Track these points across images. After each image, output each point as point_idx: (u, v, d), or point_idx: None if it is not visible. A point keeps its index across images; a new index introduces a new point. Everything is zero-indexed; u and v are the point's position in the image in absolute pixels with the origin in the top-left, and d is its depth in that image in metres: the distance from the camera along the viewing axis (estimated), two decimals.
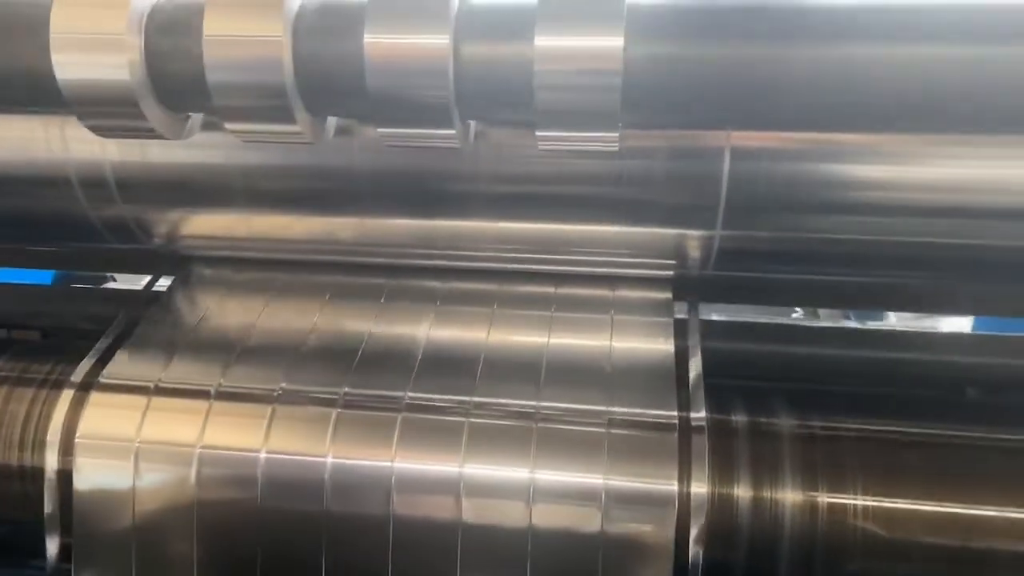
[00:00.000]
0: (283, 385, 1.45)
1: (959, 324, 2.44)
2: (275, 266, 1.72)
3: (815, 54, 1.15)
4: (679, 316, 1.59)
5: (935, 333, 1.69)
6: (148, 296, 1.73)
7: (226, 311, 1.66)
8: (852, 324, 1.83)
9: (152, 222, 1.61)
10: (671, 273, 1.56)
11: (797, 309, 2.64)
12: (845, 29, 1.14)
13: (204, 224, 1.61)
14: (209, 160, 1.49)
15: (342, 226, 1.56)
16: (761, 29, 1.14)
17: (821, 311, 2.62)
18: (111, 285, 2.48)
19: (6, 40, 1.22)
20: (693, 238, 1.42)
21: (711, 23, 1.13)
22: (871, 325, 1.82)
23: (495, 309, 1.62)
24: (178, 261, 1.75)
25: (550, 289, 1.64)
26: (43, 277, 2.58)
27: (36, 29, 1.17)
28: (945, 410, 1.44)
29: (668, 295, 1.60)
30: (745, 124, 1.25)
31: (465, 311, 1.62)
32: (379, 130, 1.17)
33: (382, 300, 1.65)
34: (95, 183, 1.55)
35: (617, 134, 1.11)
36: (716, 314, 2.07)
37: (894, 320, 2.64)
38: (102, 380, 1.48)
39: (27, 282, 2.22)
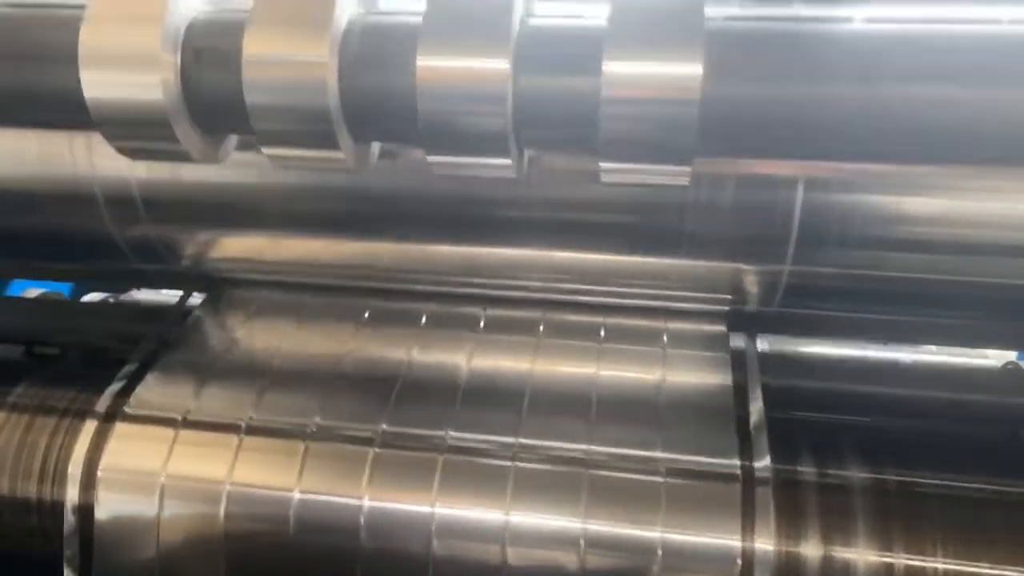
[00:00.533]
0: (317, 420, 1.37)
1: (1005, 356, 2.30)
2: (308, 287, 1.64)
3: (895, 88, 1.04)
4: (735, 345, 1.50)
5: (1010, 370, 1.58)
6: (176, 315, 1.65)
7: (257, 335, 1.58)
8: (913, 356, 1.71)
9: (180, 243, 1.53)
10: (727, 307, 1.47)
11: None
12: (926, 63, 1.03)
13: (235, 246, 1.53)
14: (243, 179, 1.42)
15: (382, 251, 1.48)
16: (841, 58, 1.04)
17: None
18: (135, 294, 2.41)
19: (31, 55, 1.14)
20: (759, 272, 1.33)
21: (789, 48, 1.03)
22: (937, 359, 1.70)
23: (540, 339, 1.53)
24: (207, 280, 1.67)
25: (599, 319, 1.55)
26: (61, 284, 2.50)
27: (65, 44, 1.09)
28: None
29: (723, 328, 1.51)
30: (820, 155, 1.15)
31: (509, 340, 1.54)
32: (429, 158, 1.08)
33: (421, 326, 1.57)
34: (121, 201, 1.47)
35: (689, 168, 1.02)
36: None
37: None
38: (127, 411, 1.41)
39: (46, 289, 2.15)
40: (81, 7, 1.08)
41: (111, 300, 2.14)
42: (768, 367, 1.50)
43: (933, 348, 2.53)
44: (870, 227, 1.24)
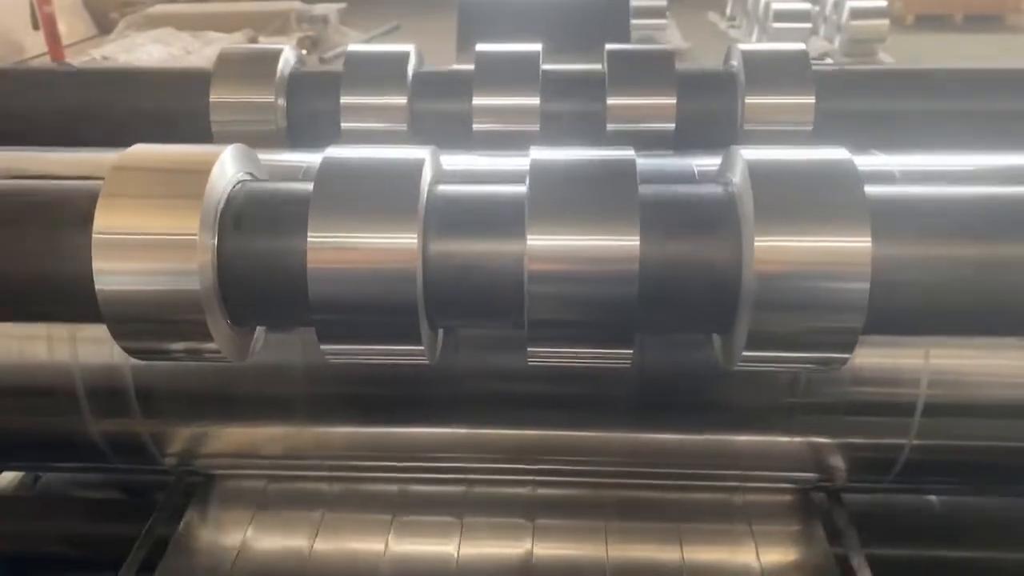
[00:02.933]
0: None
1: None
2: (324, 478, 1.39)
3: None
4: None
5: None
6: (166, 513, 1.36)
7: (272, 535, 1.32)
8: None
9: (173, 437, 1.27)
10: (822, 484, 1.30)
11: None
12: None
13: (239, 437, 1.28)
14: (265, 360, 1.19)
15: (422, 436, 1.26)
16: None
17: None
18: None
19: (22, 234, 0.91)
20: (877, 447, 1.17)
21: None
22: None
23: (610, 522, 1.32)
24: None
25: (666, 495, 1.35)
26: None
27: (70, 223, 0.88)
28: None
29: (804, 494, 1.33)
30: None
31: (575, 525, 1.32)
32: (531, 348, 0.89)
33: (465, 513, 1.34)
34: (108, 393, 1.22)
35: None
36: None
37: None
38: None
39: None
40: (94, 183, 0.88)
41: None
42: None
43: None
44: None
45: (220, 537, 1.32)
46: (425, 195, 0.89)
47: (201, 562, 1.28)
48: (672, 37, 12.08)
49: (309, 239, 0.85)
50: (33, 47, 10.86)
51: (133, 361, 1.19)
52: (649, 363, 1.17)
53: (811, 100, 1.40)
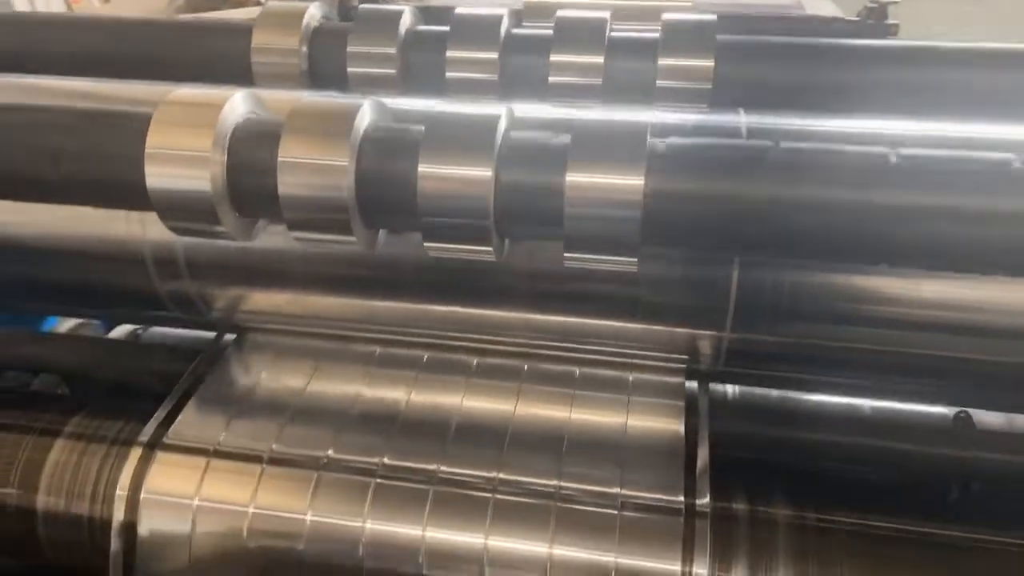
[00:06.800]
0: (329, 453, 1.61)
1: None
2: (324, 335, 1.88)
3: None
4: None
5: (942, 423, 1.78)
6: (209, 356, 1.88)
7: (279, 376, 1.82)
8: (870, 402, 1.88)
9: (214, 297, 1.78)
10: (683, 364, 1.70)
11: None
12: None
13: (261, 300, 1.78)
14: (272, 245, 1.66)
15: (387, 309, 1.72)
16: (767, 170, 1.26)
17: None
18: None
19: (104, 151, 1.39)
20: (703, 337, 1.56)
21: (724, 164, 1.26)
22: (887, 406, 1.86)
23: (523, 384, 1.76)
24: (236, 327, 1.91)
25: (573, 368, 1.78)
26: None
27: (132, 139, 1.35)
28: (939, 507, 1.54)
29: (680, 379, 1.73)
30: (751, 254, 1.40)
31: (496, 385, 1.77)
32: (426, 244, 1.33)
33: (419, 372, 1.80)
34: (167, 261, 1.73)
35: (635, 259, 1.26)
36: None
37: None
38: (166, 441, 1.64)
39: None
40: (148, 111, 1.34)
41: (139, 333, 2.37)
42: (726, 412, 1.73)
43: None
44: (798, 300, 1.48)
45: (244, 374, 1.84)
46: (360, 134, 1.31)
47: (226, 392, 1.79)
48: None
49: (279, 158, 1.29)
50: None
51: (184, 239, 1.70)
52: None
53: (711, 64, 1.74)
